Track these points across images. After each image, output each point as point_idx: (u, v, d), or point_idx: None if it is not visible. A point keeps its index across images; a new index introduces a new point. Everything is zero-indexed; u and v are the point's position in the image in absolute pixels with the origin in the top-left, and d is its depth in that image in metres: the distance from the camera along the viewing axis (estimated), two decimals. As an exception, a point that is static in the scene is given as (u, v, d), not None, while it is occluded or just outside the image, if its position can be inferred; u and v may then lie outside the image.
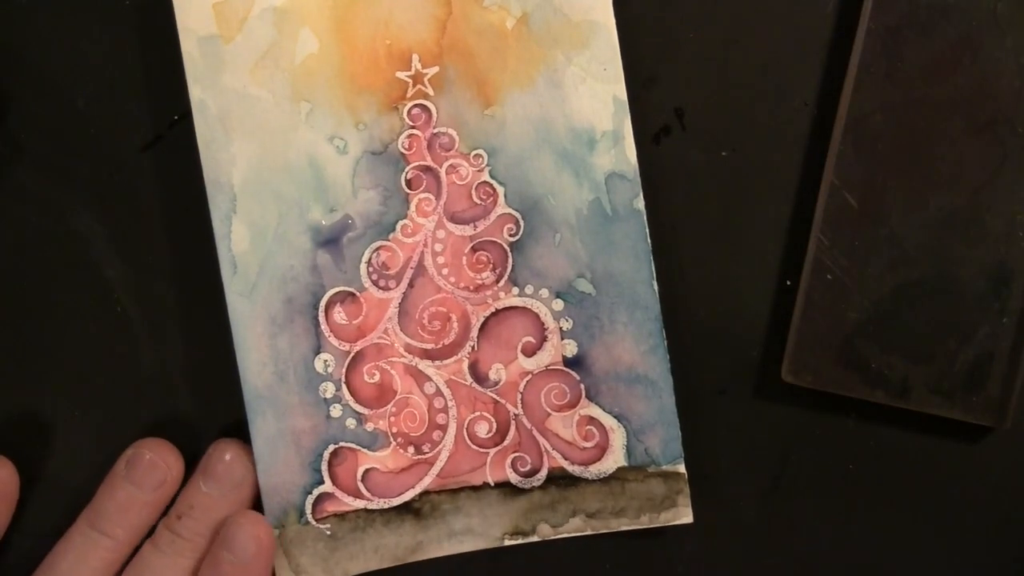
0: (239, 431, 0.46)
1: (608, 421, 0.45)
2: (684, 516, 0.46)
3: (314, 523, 0.46)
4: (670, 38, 0.47)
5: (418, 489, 0.46)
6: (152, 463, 0.45)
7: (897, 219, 0.45)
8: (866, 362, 0.45)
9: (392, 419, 0.46)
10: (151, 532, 0.46)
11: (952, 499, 0.48)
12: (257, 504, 0.46)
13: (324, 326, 0.45)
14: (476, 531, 0.46)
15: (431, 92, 0.45)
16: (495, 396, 0.46)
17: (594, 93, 0.45)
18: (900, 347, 0.45)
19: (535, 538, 0.46)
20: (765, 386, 0.48)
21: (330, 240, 0.45)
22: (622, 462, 0.45)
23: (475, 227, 0.46)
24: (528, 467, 0.46)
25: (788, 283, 0.47)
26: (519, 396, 0.46)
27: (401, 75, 0.45)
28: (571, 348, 0.46)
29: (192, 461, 0.47)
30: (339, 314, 0.45)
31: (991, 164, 0.44)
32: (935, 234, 0.45)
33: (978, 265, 0.45)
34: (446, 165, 0.46)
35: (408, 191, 0.46)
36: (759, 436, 0.48)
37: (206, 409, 0.48)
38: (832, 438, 0.48)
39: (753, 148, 0.47)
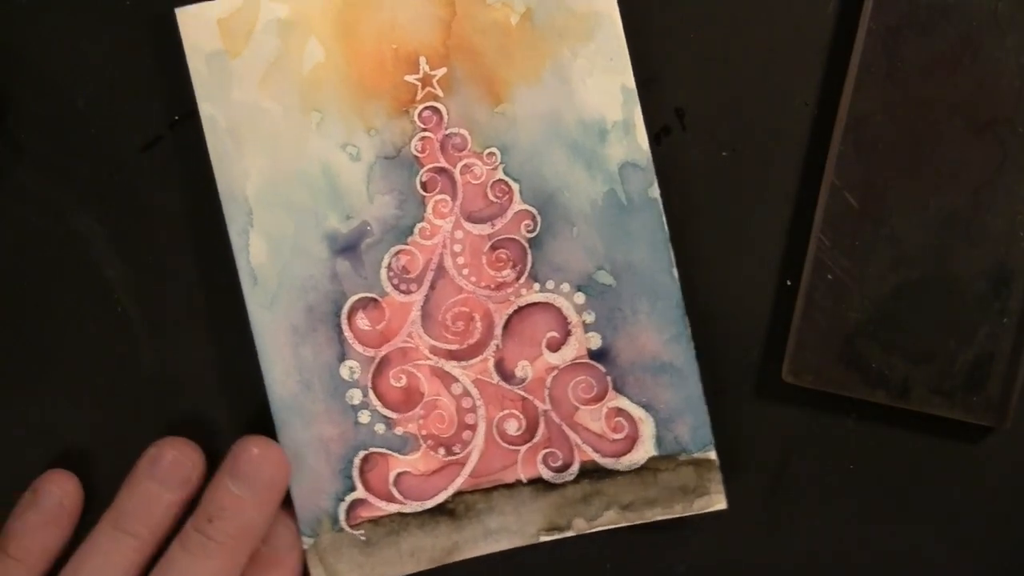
0: (239, 431, 0.46)
1: (636, 412, 0.46)
2: (718, 503, 0.46)
3: (348, 530, 0.45)
4: (670, 38, 0.47)
5: (451, 490, 0.46)
6: (177, 461, 0.45)
7: (897, 219, 0.45)
8: (866, 362, 0.45)
9: (421, 422, 0.46)
10: (174, 531, 0.45)
11: (952, 499, 0.48)
12: (289, 507, 0.46)
13: (347, 333, 0.45)
14: (511, 529, 0.46)
15: (440, 93, 0.45)
16: (523, 393, 0.46)
17: (602, 84, 0.45)
18: (900, 347, 0.45)
19: (571, 533, 0.46)
20: (765, 386, 0.48)
21: (348, 247, 0.45)
22: (652, 452, 0.46)
23: (492, 225, 0.46)
24: (559, 462, 0.46)
25: (788, 283, 0.47)
26: (546, 392, 0.46)
27: (409, 78, 0.45)
28: (595, 341, 0.46)
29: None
30: (362, 320, 0.45)
31: (991, 164, 0.44)
32: (935, 234, 0.45)
33: (978, 265, 0.45)
34: (460, 165, 0.46)
35: (424, 193, 0.46)
36: (759, 436, 0.48)
37: (206, 409, 0.48)
38: (832, 438, 0.48)
39: (753, 148, 0.47)
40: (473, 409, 0.46)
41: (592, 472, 0.46)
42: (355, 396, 0.45)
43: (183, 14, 0.45)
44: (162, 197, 0.47)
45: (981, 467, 0.48)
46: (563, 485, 0.46)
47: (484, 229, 0.46)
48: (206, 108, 0.45)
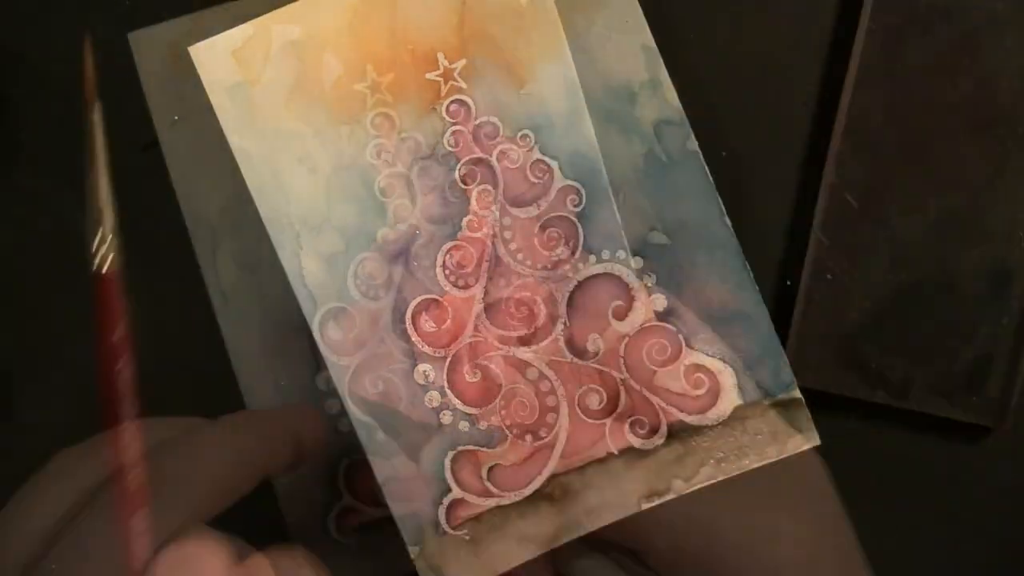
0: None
1: (714, 364, 0.45)
2: (811, 440, 0.45)
3: (451, 532, 0.45)
4: (670, 38, 0.46)
5: (545, 475, 0.45)
6: None
7: (897, 219, 0.45)
8: (866, 362, 0.45)
9: (503, 412, 0.45)
10: None
11: (952, 499, 0.48)
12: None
13: (415, 337, 0.45)
14: (612, 502, 0.45)
15: (464, 85, 0.45)
16: (598, 366, 0.46)
17: (622, 47, 0.45)
18: (900, 347, 0.45)
19: (671, 496, 0.45)
20: (765, 385, 0.47)
21: (400, 253, 0.45)
22: (737, 401, 0.45)
23: (538, 206, 0.46)
24: (647, 428, 0.45)
25: (788, 283, 0.47)
26: (621, 361, 0.46)
27: (431, 76, 0.45)
28: (661, 302, 0.46)
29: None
30: (427, 322, 0.45)
31: (991, 164, 0.44)
32: (935, 234, 0.45)
33: (978, 265, 0.45)
34: (496, 152, 0.46)
35: (465, 187, 0.45)
36: (759, 435, 0.47)
37: (205, 410, 0.46)
38: (832, 438, 0.46)
39: (753, 148, 0.47)
40: (552, 391, 0.46)
41: (681, 432, 0.46)
42: (434, 399, 0.45)
43: (197, 50, 0.44)
44: (162, 197, 0.47)
45: (981, 467, 0.48)
46: (655, 450, 0.46)
47: (531, 211, 0.46)
48: (236, 141, 0.45)
